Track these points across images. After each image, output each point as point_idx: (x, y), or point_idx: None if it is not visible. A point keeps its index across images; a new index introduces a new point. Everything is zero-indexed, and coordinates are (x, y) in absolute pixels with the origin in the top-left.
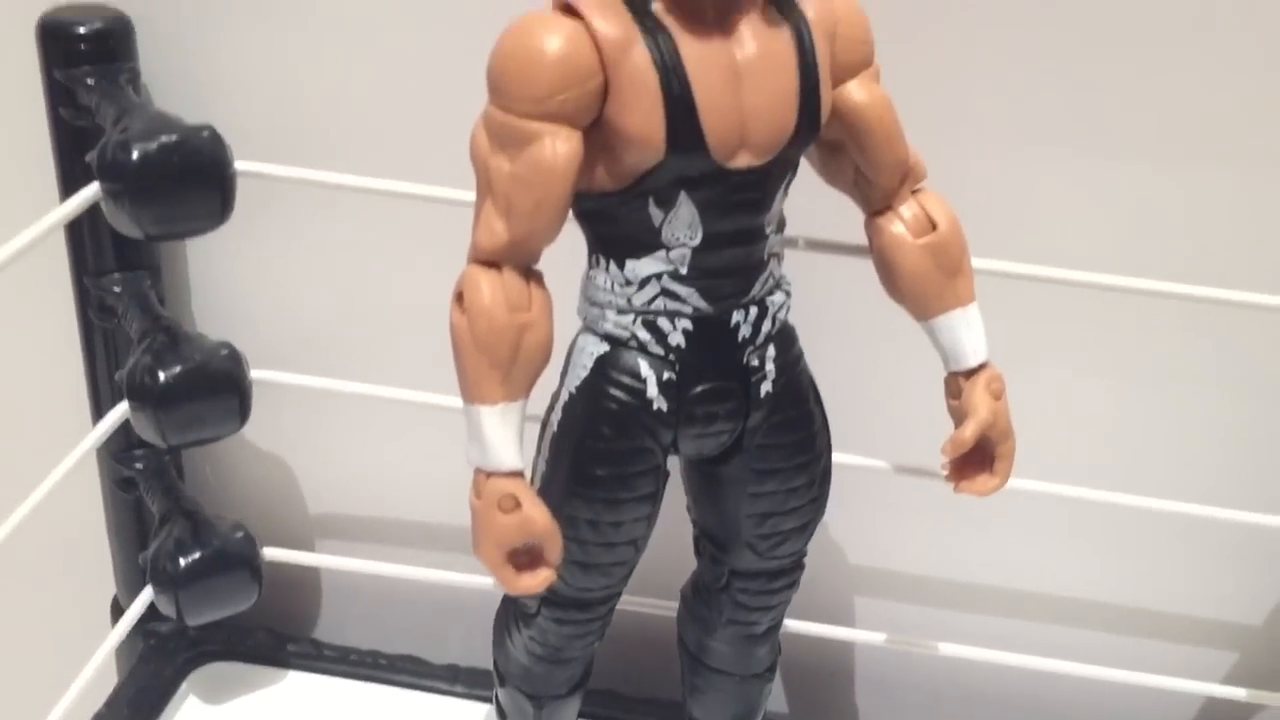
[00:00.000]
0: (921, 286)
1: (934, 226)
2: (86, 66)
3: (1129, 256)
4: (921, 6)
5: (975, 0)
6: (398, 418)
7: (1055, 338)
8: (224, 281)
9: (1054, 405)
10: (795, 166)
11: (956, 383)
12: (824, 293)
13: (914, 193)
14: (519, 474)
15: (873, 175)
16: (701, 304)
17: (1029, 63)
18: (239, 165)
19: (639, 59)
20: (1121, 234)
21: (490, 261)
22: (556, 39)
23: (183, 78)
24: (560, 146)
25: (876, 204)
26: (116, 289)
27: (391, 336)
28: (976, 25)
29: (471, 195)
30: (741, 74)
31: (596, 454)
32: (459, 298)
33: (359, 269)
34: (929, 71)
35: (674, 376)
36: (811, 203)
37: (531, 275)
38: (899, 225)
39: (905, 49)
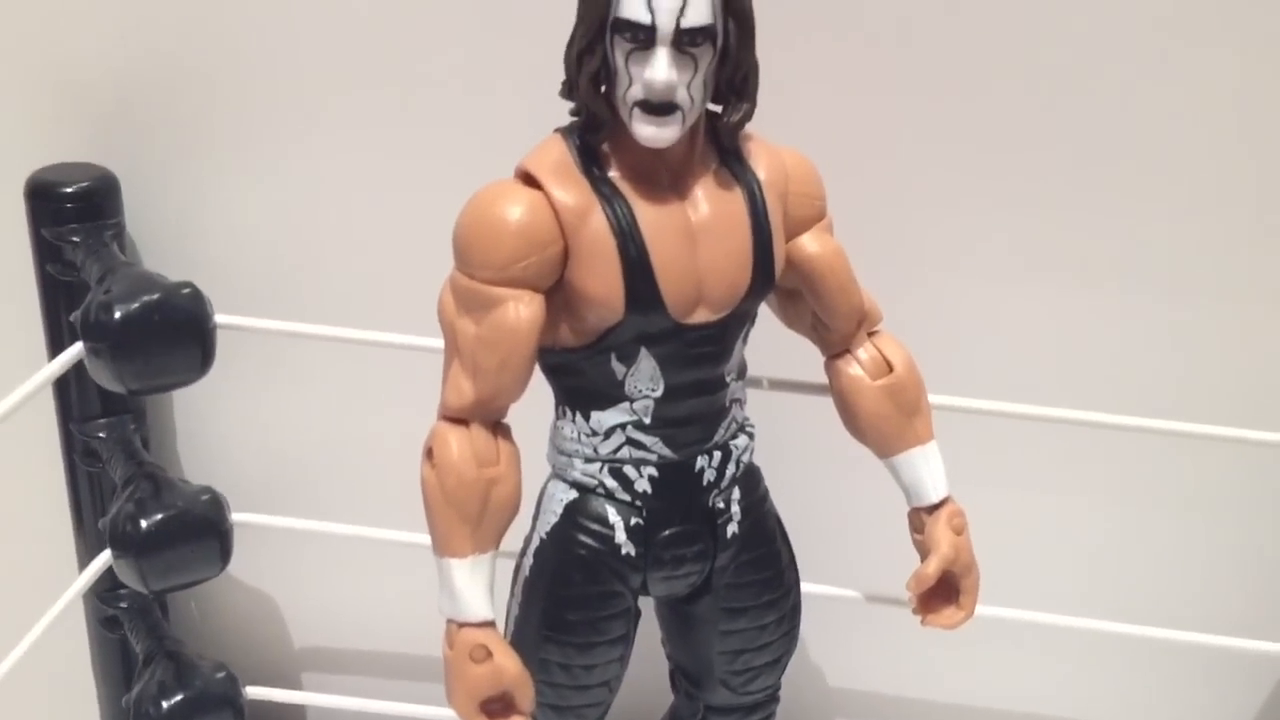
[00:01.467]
0: (881, 427)
1: (891, 368)
2: (73, 224)
3: (1095, 386)
4: (877, 142)
5: (935, 134)
6: (378, 555)
7: (1020, 464)
8: (208, 423)
9: (1023, 530)
10: (753, 317)
11: (919, 518)
12: (788, 427)
13: (870, 335)
14: (490, 624)
15: (829, 321)
16: (666, 451)
17: (991, 197)
18: (219, 319)
19: (597, 225)
20: (1087, 364)
21: (459, 418)
22: (518, 209)
23: (166, 230)
24: (523, 310)
25: (834, 347)
26: (101, 434)
27: (370, 476)
28: (936, 160)
29: (438, 342)
30: (696, 235)
31: (568, 600)
32: (429, 453)
33: (337, 412)
34: (886, 207)
35: (641, 522)
36: (774, 343)
37: (499, 429)
38: (857, 368)
39: (862, 183)
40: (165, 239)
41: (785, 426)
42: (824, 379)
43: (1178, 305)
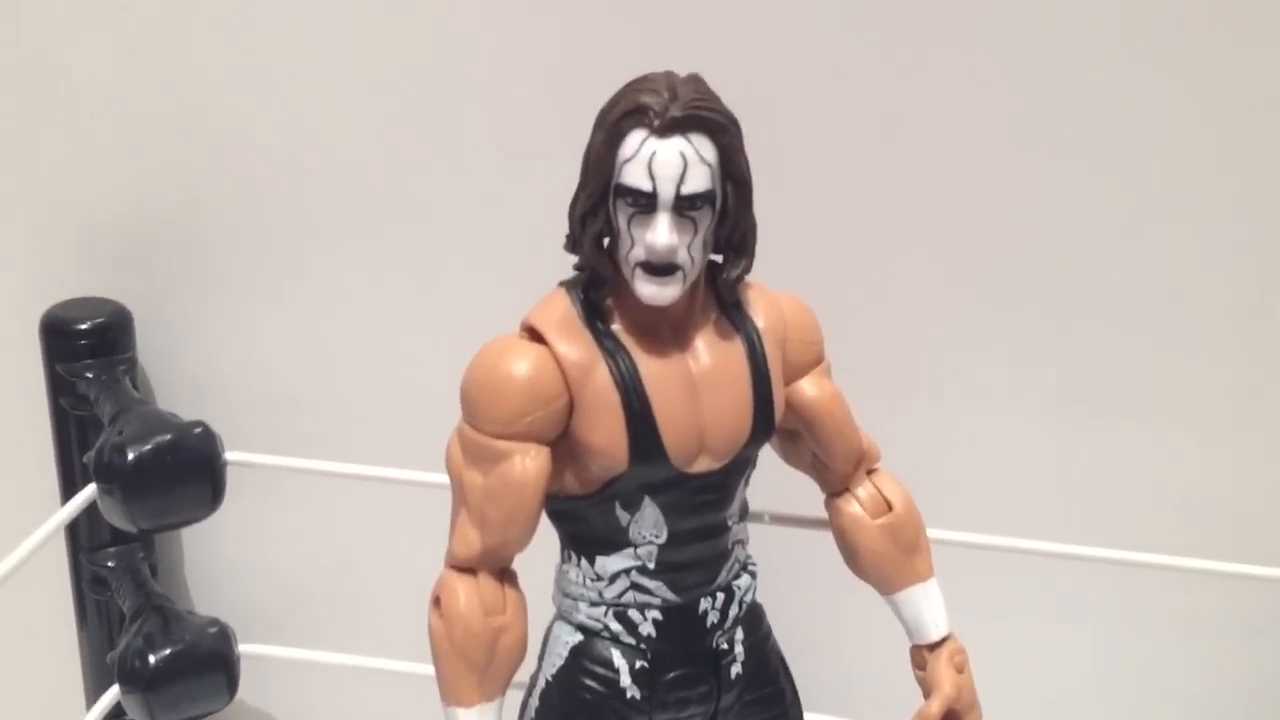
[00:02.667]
0: (881, 565)
1: (890, 507)
2: (86, 360)
3: (1090, 515)
4: (870, 278)
5: (929, 268)
6: (385, 685)
7: (1016, 596)
8: (216, 551)
9: (1022, 663)
10: (754, 461)
11: (921, 655)
12: (790, 561)
13: (869, 473)
14: None
15: (828, 461)
16: (670, 595)
17: (987, 331)
18: (229, 455)
19: (601, 379)
20: (1082, 493)
21: (466, 567)
22: (524, 364)
23: (178, 363)
24: (529, 464)
25: (834, 486)
26: (110, 563)
27: (378, 607)
28: (931, 293)
29: (443, 478)
30: (697, 386)
31: None
32: (436, 602)
33: (345, 542)
34: (882, 340)
35: (646, 665)
36: (775, 478)
37: (506, 576)
38: (856, 506)
39: (856, 319)
40: (177, 372)
41: (787, 560)
42: (824, 513)
43: (1173, 435)
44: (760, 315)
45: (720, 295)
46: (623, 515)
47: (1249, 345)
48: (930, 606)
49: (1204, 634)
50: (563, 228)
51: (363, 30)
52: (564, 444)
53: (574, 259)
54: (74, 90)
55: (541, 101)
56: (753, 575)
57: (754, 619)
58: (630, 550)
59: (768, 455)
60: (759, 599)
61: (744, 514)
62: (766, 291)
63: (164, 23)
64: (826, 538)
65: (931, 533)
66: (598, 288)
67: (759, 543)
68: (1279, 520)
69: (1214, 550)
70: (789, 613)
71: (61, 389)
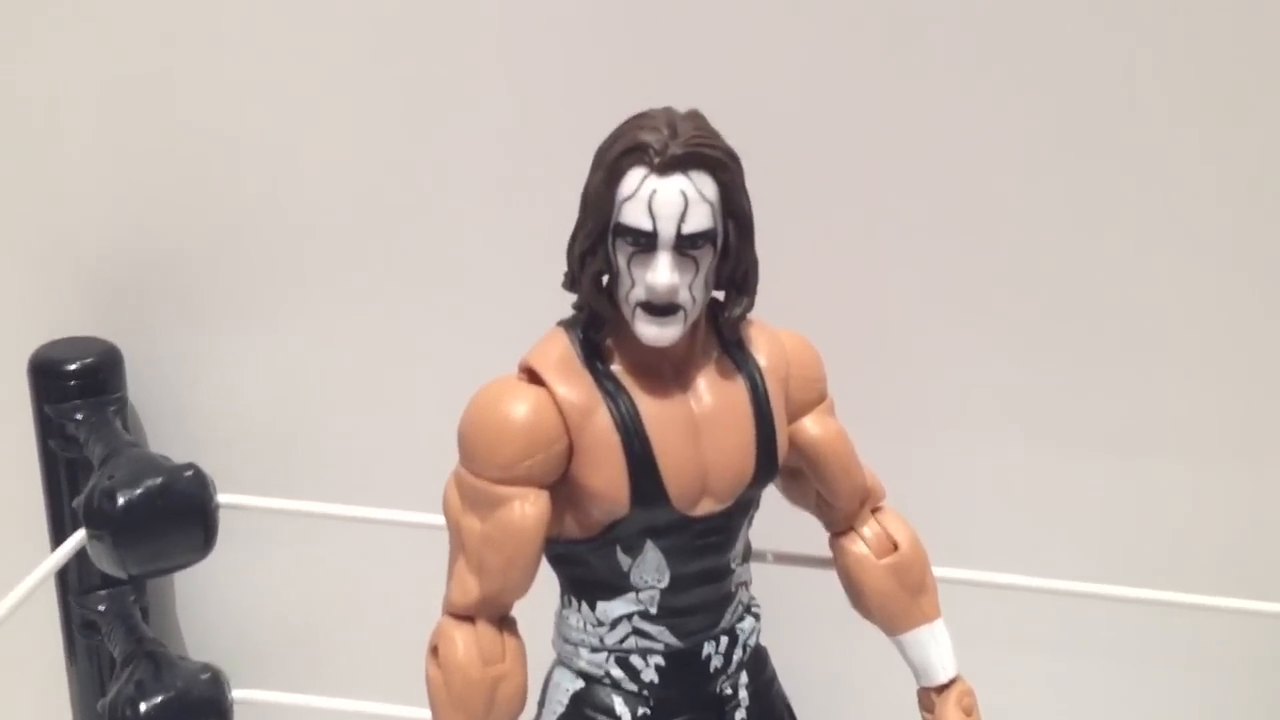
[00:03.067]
0: (887, 605)
1: (895, 546)
2: (76, 401)
3: (1095, 549)
4: (873, 316)
5: (931, 302)
6: None
7: (1029, 634)
8: (208, 593)
9: (1033, 699)
10: (758, 502)
11: (929, 697)
12: (794, 600)
13: (874, 512)
14: None
15: (833, 500)
16: (673, 640)
17: (990, 364)
18: (221, 498)
19: (601, 422)
20: (1086, 527)
21: (464, 615)
22: (522, 407)
23: (169, 402)
24: (529, 509)
25: (838, 525)
26: (101, 607)
27: (372, 649)
28: (933, 330)
29: (438, 518)
30: (699, 427)
31: None
32: (434, 651)
33: (339, 584)
34: (886, 376)
35: (649, 711)
36: (779, 517)
37: (505, 624)
38: (861, 546)
39: (860, 355)
40: (168, 411)
41: (791, 600)
42: (828, 551)
43: (1177, 468)
44: (762, 353)
45: (722, 333)
46: (624, 559)
47: (1250, 377)
48: (937, 648)
49: (1209, 668)
50: (561, 264)
51: (353, 65)
52: (564, 487)
53: (573, 297)
54: (61, 128)
55: (539, 134)
56: (756, 617)
57: (758, 662)
58: (632, 595)
59: (770, 492)
60: (763, 641)
61: (747, 555)
62: (768, 329)
63: (153, 61)
64: (830, 576)
65: (937, 570)
66: (597, 328)
67: (762, 582)
68: None
69: (1219, 584)
70: (793, 654)
71: (51, 430)
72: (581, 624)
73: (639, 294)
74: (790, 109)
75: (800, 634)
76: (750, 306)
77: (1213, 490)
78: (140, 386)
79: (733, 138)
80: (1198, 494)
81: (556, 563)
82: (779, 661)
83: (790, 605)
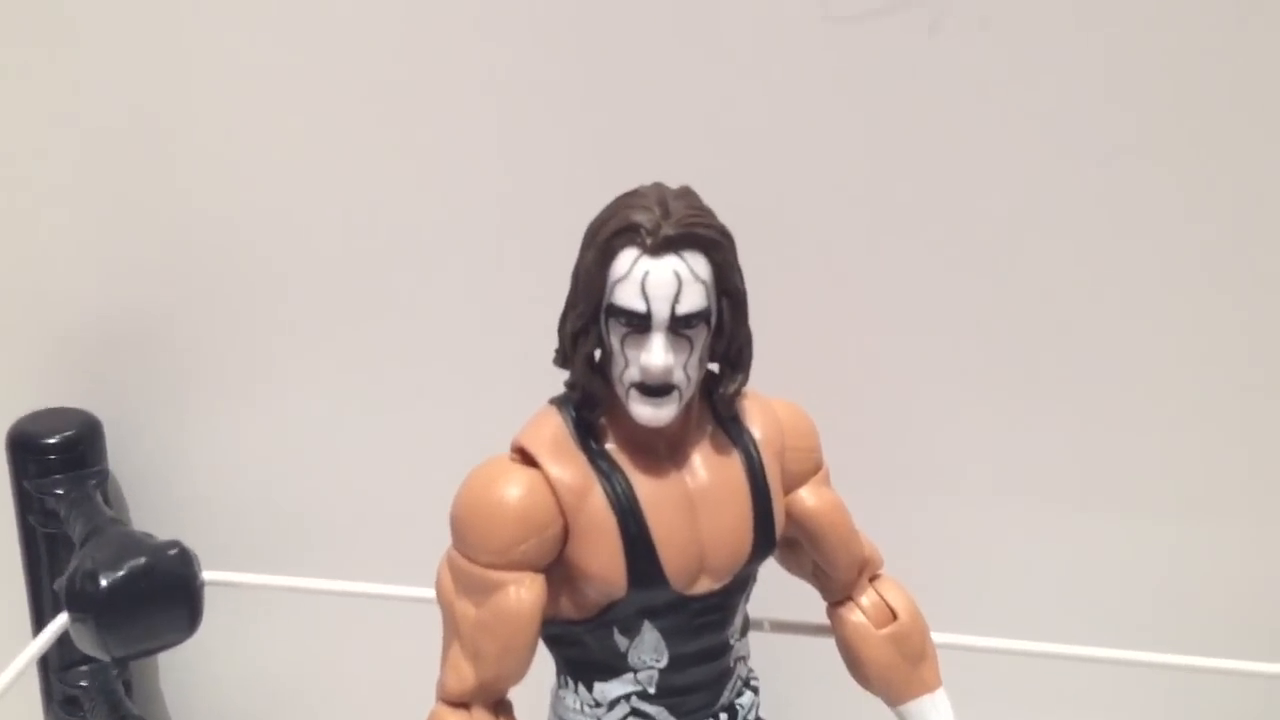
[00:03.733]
0: (887, 675)
1: (894, 615)
2: (56, 475)
3: (1094, 609)
4: (871, 376)
5: (924, 366)
6: None
7: (1033, 698)
8: (194, 665)
9: None
10: (755, 577)
11: None
12: (793, 669)
13: (872, 580)
14: None
15: (830, 571)
16: (667, 718)
17: (988, 428)
18: (207, 575)
19: (596, 503)
20: (1086, 587)
21: (459, 702)
22: (516, 490)
23: (150, 472)
24: (524, 594)
25: (836, 595)
26: (83, 683)
27: None
28: (928, 392)
29: (426, 592)
30: (696, 504)
31: None
32: None
33: (327, 657)
34: (881, 437)
35: None
36: (775, 585)
37: (501, 709)
38: (859, 615)
39: (855, 414)
40: (150, 483)
41: (788, 668)
42: (826, 618)
43: (1177, 526)
44: (757, 426)
45: (716, 408)
46: (621, 640)
47: (1257, 435)
48: (939, 717)
49: None
50: (554, 337)
51: (337, 133)
52: (559, 569)
53: (565, 374)
54: (38, 196)
55: (531, 204)
56: (755, 691)
57: None
58: (630, 675)
59: (767, 562)
60: (763, 715)
61: (745, 629)
62: (760, 399)
63: (131, 128)
64: (829, 644)
65: (936, 637)
66: (590, 407)
67: (759, 651)
68: None
69: (1211, 644)
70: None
71: (30, 506)
72: (579, 705)
73: (633, 374)
74: (781, 175)
75: (800, 704)
76: (744, 382)
77: (1223, 549)
78: (121, 458)
79: (721, 203)
80: (1195, 552)
81: (552, 643)
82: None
83: (789, 674)
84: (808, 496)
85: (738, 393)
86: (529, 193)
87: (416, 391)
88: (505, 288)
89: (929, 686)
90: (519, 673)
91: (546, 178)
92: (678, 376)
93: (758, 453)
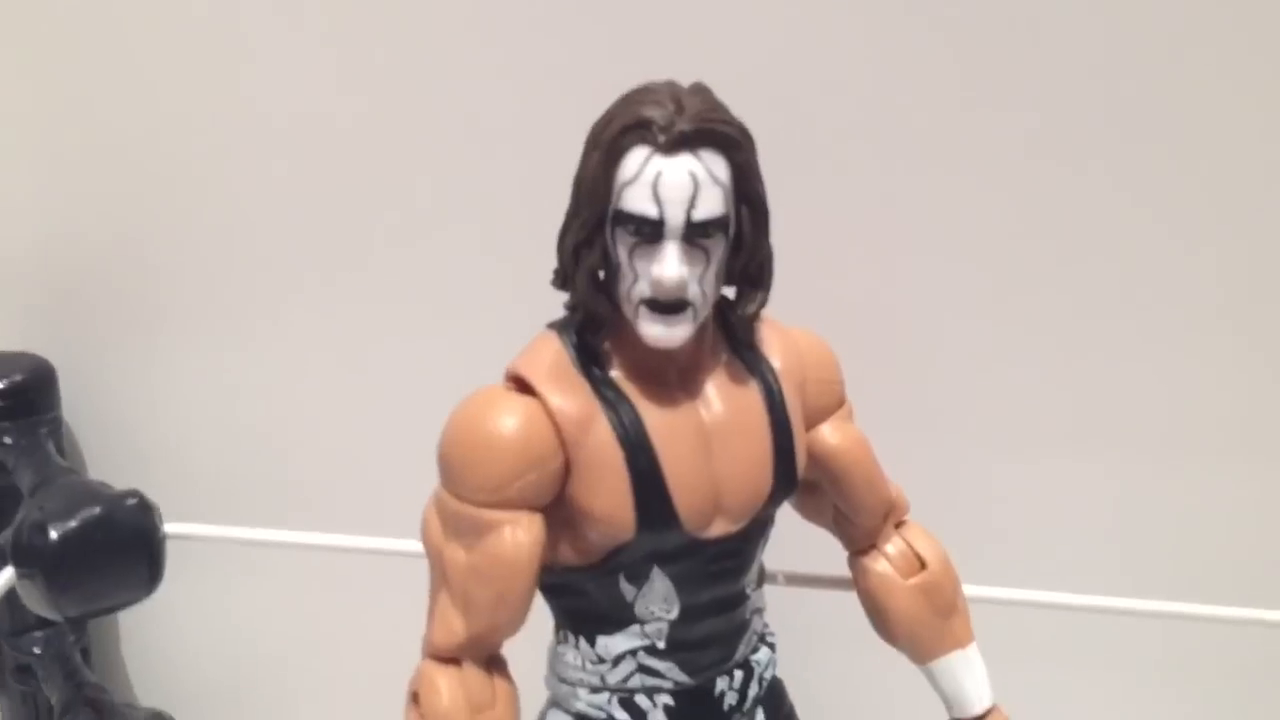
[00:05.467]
0: (915, 630)
1: (923, 565)
2: (5, 423)
3: (1142, 566)
4: (891, 314)
5: (955, 297)
6: None
7: (1068, 652)
8: (155, 629)
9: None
10: (773, 520)
11: None
12: (811, 626)
13: (897, 527)
14: None
15: (854, 516)
16: (682, 677)
17: (1024, 364)
18: (169, 528)
19: (601, 435)
20: (1133, 544)
21: (448, 658)
22: (512, 420)
23: (107, 422)
24: (521, 535)
25: (859, 543)
26: (36, 650)
27: (336, 688)
28: (960, 324)
29: (407, 544)
30: (711, 438)
31: None
32: (414, 699)
33: (297, 617)
34: (911, 378)
35: None
36: (790, 533)
37: (494, 665)
38: (885, 565)
39: (877, 355)
40: (107, 433)
41: (806, 625)
42: (847, 571)
43: (1219, 475)
44: (776, 355)
45: (732, 334)
46: (628, 589)
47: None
48: (972, 675)
49: (1212, 678)
50: (551, 260)
51: (304, 57)
52: (559, 510)
53: (564, 297)
54: None
55: (520, 113)
56: (772, 648)
57: (775, 698)
58: (637, 628)
59: (782, 509)
60: (779, 673)
61: (761, 579)
62: (779, 327)
63: (83, 65)
64: (851, 599)
65: (968, 589)
66: (594, 330)
67: (774, 606)
68: None
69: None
70: (812, 685)
71: None
72: (580, 661)
73: (643, 290)
74: (803, 91)
75: (819, 663)
76: (765, 303)
77: (1257, 498)
78: (76, 406)
79: (741, 113)
80: (1241, 501)
81: (551, 593)
82: (796, 694)
83: (807, 632)
84: (830, 434)
85: (757, 314)
86: (517, 100)
87: (393, 327)
88: (492, 207)
89: (960, 642)
90: (515, 624)
91: (537, 83)
92: (692, 292)
93: (777, 383)
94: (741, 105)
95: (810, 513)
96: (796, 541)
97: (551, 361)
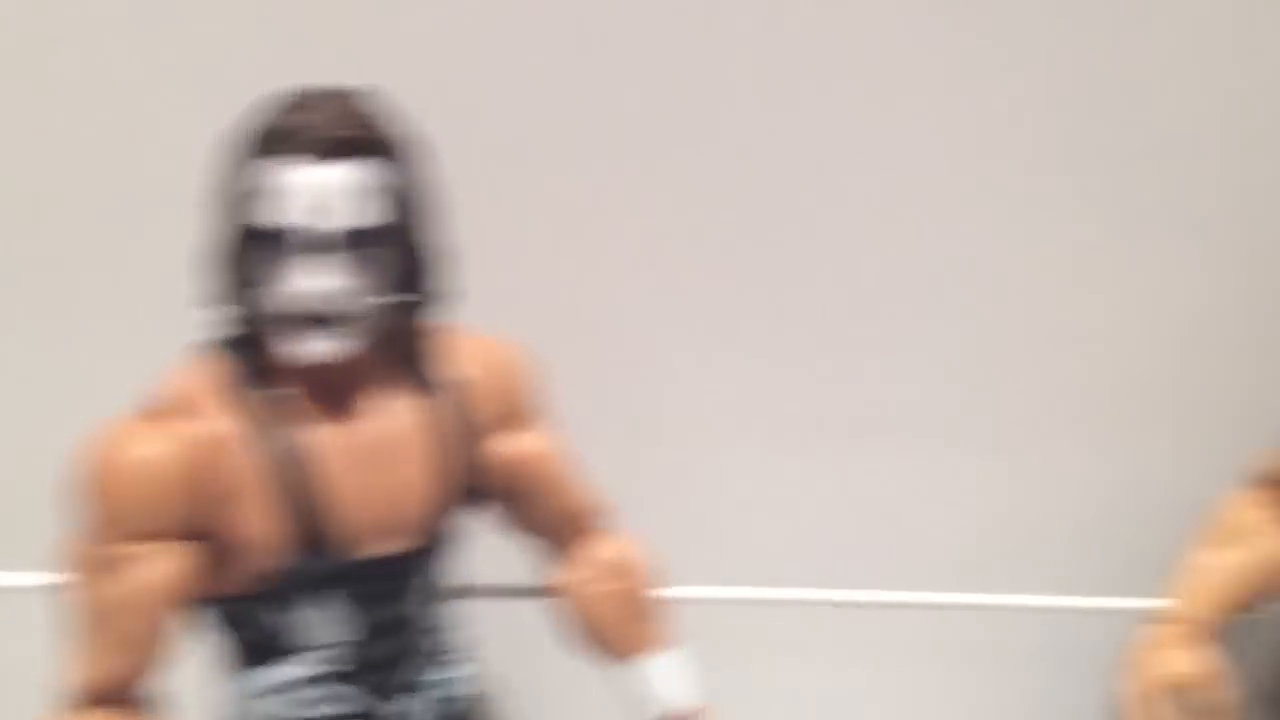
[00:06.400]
0: (605, 635)
1: (615, 571)
2: None
3: (859, 557)
4: (604, 305)
5: (670, 289)
6: None
7: (791, 647)
8: None
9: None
10: (457, 535)
11: None
12: (518, 637)
13: (593, 534)
14: None
15: (540, 523)
16: (364, 703)
17: (742, 357)
18: None
19: (250, 459)
20: (854, 535)
21: (86, 703)
22: (148, 450)
23: None
24: (161, 568)
25: (551, 551)
26: None
27: None
28: (673, 318)
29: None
30: (375, 455)
31: None
32: None
33: None
34: (618, 376)
35: None
36: (488, 543)
37: (136, 710)
38: (576, 572)
39: (581, 353)
40: None
41: (513, 636)
42: (543, 580)
43: (965, 461)
44: (453, 365)
45: (401, 346)
46: (297, 615)
47: (1047, 368)
48: (665, 678)
49: (1011, 663)
50: (190, 280)
51: None
52: (217, 538)
53: (209, 316)
54: None
55: (165, 114)
56: (474, 662)
57: (476, 716)
58: (310, 655)
59: (479, 520)
60: (485, 689)
61: (451, 595)
62: (466, 336)
63: None
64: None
65: (695, 590)
66: (248, 349)
67: (477, 617)
68: (1083, 547)
69: (1017, 582)
70: (542, 694)
71: None
72: (252, 693)
73: (295, 304)
74: (503, 91)
75: (527, 673)
76: (434, 314)
77: (1011, 483)
78: None
79: (436, 122)
80: (994, 488)
81: (217, 626)
82: (527, 704)
83: (512, 642)
84: (512, 444)
85: (425, 325)
86: (147, 101)
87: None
88: (122, 225)
89: (654, 645)
90: (152, 662)
91: (186, 78)
92: (348, 303)
93: (452, 395)
94: (420, 110)
95: (508, 522)
96: (496, 552)
97: (194, 386)
